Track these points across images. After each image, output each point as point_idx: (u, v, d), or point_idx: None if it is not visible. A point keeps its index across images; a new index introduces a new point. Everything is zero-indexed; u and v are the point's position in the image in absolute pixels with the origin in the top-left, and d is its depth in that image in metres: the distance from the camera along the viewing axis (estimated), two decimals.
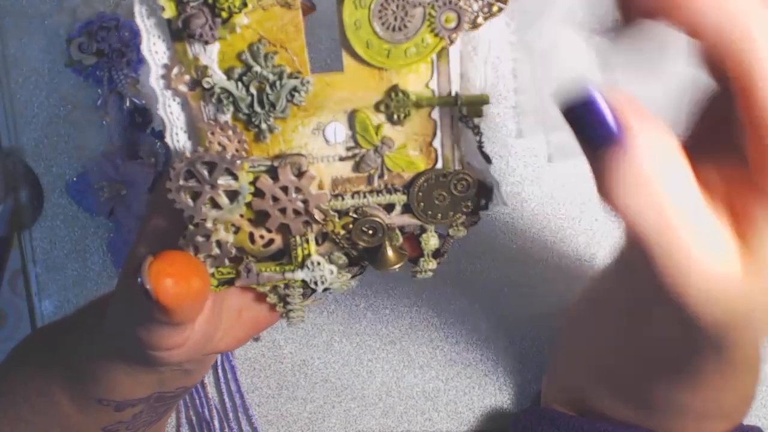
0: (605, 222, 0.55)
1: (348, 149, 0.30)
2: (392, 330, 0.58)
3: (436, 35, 0.27)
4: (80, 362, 0.43)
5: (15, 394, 0.47)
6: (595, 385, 0.36)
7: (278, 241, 0.31)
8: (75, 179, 0.57)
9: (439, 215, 0.31)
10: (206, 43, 0.27)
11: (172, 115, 0.28)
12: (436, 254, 0.33)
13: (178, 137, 0.29)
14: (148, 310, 0.30)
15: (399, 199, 0.31)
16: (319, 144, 0.29)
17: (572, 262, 0.55)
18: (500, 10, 0.27)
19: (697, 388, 0.30)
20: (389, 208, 0.32)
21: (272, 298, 0.34)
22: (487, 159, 0.30)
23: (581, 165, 0.26)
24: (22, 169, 0.58)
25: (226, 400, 0.59)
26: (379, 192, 0.31)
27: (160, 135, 0.56)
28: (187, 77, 0.27)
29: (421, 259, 0.33)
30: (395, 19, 0.27)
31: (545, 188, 0.55)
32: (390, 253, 0.32)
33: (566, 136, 0.30)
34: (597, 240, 0.55)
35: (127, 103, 0.55)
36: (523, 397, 0.57)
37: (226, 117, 0.28)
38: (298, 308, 0.34)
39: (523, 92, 0.55)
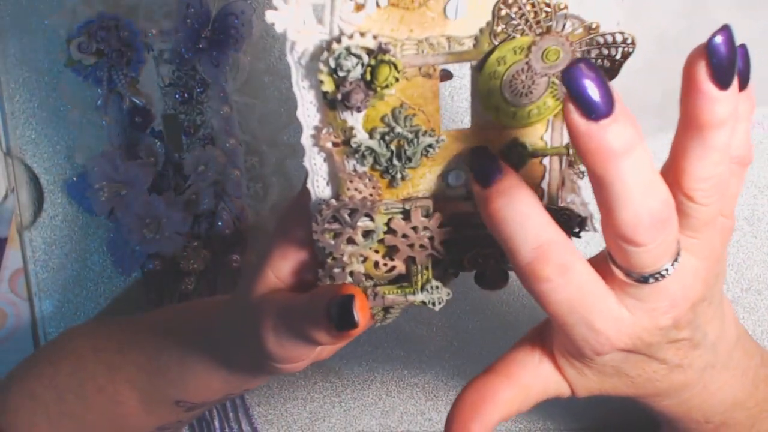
0: None
1: (468, 192, 0.34)
2: (392, 330, 0.58)
3: (557, 99, 0.32)
4: (166, 364, 0.44)
5: (62, 390, 0.47)
6: None
7: (399, 267, 0.35)
8: (75, 179, 0.57)
9: None
10: (359, 111, 0.31)
11: (315, 165, 0.33)
12: None
13: (318, 184, 0.33)
14: (312, 332, 0.34)
15: None
16: (442, 187, 0.34)
17: None
18: (614, 76, 0.31)
19: None
20: None
21: (377, 312, 0.38)
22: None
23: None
24: (22, 169, 0.58)
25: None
26: None
27: (160, 135, 0.56)
28: (333, 137, 0.32)
29: None
30: (523, 87, 0.31)
31: None
32: (493, 278, 0.37)
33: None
34: (597, 240, 0.55)
35: (127, 103, 0.55)
36: None
37: (365, 168, 0.33)
38: (396, 314, 0.38)
39: None
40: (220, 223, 0.56)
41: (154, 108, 0.55)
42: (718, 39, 0.27)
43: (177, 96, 0.55)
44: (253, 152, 0.56)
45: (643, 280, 0.30)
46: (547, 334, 0.34)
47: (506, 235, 0.29)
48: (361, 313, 0.33)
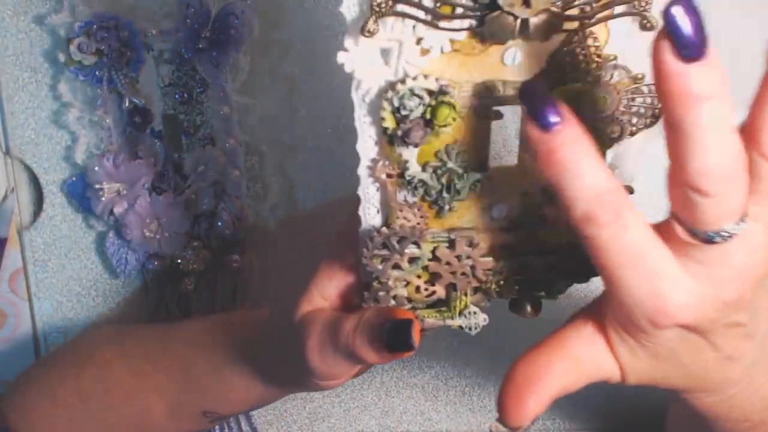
0: None
1: (509, 224, 0.36)
2: None
3: (600, 145, 0.32)
4: (202, 374, 0.45)
5: (86, 394, 0.48)
6: None
7: (440, 292, 0.37)
8: (75, 179, 0.57)
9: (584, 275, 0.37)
10: (416, 146, 0.32)
11: (368, 194, 0.34)
12: None
13: (369, 212, 0.35)
14: (361, 351, 0.35)
15: (548, 261, 0.37)
16: (485, 219, 0.36)
17: None
18: (653, 123, 0.33)
19: None
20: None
21: None
22: None
23: None
24: (21, 169, 0.58)
25: None
26: (530, 254, 0.37)
27: (160, 135, 0.56)
28: (389, 169, 0.34)
29: None
30: None
31: None
32: (528, 307, 0.39)
33: None
34: None
35: (127, 103, 0.55)
36: None
37: (415, 199, 0.34)
38: (427, 334, 0.39)
39: None
40: (220, 223, 0.56)
41: (154, 108, 0.56)
42: None
43: (177, 96, 0.55)
44: (253, 152, 0.56)
45: (708, 239, 0.28)
46: (601, 309, 0.33)
47: (564, 182, 0.28)
48: (416, 336, 0.34)
